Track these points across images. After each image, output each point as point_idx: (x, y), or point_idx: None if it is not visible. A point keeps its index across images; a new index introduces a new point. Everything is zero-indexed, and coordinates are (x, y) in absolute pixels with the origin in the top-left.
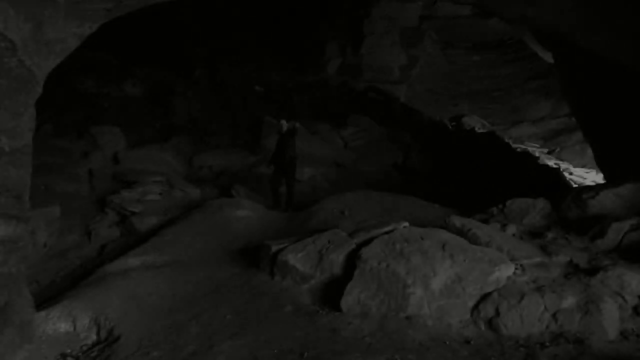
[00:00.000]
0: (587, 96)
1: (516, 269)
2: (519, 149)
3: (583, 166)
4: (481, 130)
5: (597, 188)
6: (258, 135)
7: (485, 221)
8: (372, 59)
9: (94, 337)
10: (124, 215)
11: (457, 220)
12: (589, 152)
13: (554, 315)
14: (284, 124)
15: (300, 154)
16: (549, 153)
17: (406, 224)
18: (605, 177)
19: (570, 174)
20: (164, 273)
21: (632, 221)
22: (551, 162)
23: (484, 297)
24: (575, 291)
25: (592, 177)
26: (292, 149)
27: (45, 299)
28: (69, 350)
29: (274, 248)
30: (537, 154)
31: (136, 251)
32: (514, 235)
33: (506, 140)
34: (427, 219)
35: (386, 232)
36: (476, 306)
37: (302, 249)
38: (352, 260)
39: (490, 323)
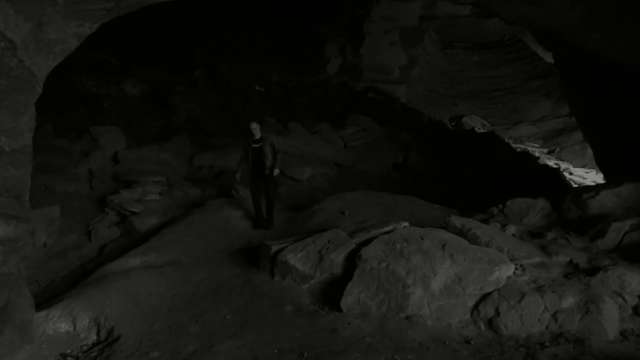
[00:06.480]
0: (587, 96)
1: (516, 269)
2: (519, 149)
3: (583, 166)
4: (481, 130)
5: (597, 188)
6: None
7: (485, 221)
8: (372, 59)
9: (94, 337)
10: (124, 215)
11: (457, 220)
12: (589, 152)
13: (554, 315)
14: (257, 129)
15: (300, 154)
16: (549, 153)
17: (406, 224)
18: (605, 177)
19: (570, 174)
20: (164, 273)
21: (632, 221)
22: (551, 162)
23: (484, 297)
24: (575, 291)
25: (592, 177)
26: (269, 157)
27: (45, 299)
28: (69, 350)
29: (274, 248)
30: (537, 154)
31: (136, 251)
32: (514, 235)
33: (506, 140)
34: (427, 219)
35: (386, 232)
36: (476, 306)
37: (302, 249)
38: (352, 260)
39: (490, 323)
